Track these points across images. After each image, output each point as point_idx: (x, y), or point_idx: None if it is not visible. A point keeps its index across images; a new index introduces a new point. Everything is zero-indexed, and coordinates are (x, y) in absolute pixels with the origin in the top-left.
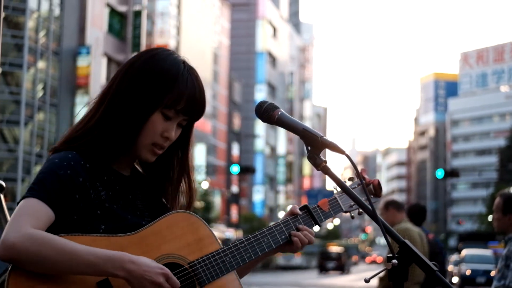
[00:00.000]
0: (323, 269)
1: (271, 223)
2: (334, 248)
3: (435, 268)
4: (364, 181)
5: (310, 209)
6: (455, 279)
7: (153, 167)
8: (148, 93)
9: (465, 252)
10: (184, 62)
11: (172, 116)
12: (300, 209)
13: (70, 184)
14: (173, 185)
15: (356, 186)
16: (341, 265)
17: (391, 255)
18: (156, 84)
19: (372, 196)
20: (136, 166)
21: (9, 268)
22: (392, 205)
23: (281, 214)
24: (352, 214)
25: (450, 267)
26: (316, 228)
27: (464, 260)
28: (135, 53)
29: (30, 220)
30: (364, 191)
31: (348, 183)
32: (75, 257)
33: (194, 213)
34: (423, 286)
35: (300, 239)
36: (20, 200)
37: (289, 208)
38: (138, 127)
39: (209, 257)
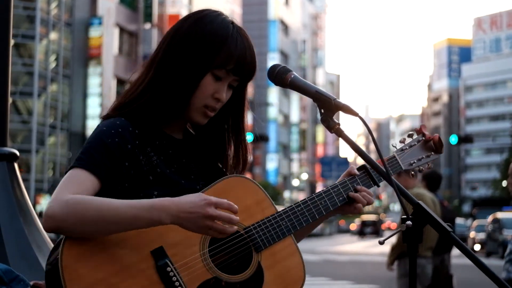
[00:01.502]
0: (362, 233)
1: (329, 185)
2: (371, 216)
3: (449, 229)
4: (424, 137)
5: (369, 169)
6: (477, 247)
7: (207, 131)
8: (198, 55)
9: (500, 215)
10: (232, 23)
11: (223, 77)
12: (358, 169)
13: (118, 152)
14: (230, 149)
15: (416, 143)
16: (377, 230)
17: (405, 216)
18: (206, 46)
19: (432, 153)
20: (189, 128)
21: (62, 241)
22: (405, 171)
23: (295, 182)
24: (413, 172)
25: (472, 234)
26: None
27: (503, 225)
28: (147, 23)
29: (70, 188)
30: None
31: (408, 140)
32: (116, 213)
33: (249, 177)
34: (435, 251)
35: (359, 200)
36: (68, 170)
37: (303, 175)
38: (191, 90)
39: (265, 222)
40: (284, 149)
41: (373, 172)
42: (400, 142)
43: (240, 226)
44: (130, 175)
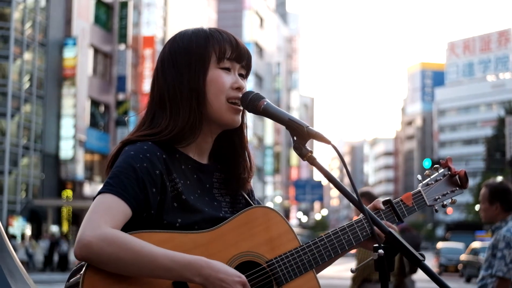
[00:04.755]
0: None
1: (353, 219)
2: None
3: (421, 258)
4: (450, 172)
5: (393, 204)
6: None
7: (222, 155)
8: (191, 58)
9: None
10: (204, 28)
11: (229, 66)
12: (383, 203)
13: (147, 178)
14: (244, 172)
15: (441, 177)
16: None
17: (377, 245)
18: (195, 48)
19: (457, 188)
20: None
21: (85, 266)
22: (364, 196)
23: (269, 205)
24: (436, 208)
25: (469, 257)
26: (304, 218)
27: None
28: (122, 44)
29: (106, 218)
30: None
31: (433, 173)
32: (151, 261)
33: (274, 208)
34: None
35: (381, 236)
36: (96, 195)
37: (277, 199)
38: (200, 92)
39: (287, 255)
40: (258, 172)
41: (398, 207)
42: (425, 175)
43: (262, 259)
44: (157, 201)
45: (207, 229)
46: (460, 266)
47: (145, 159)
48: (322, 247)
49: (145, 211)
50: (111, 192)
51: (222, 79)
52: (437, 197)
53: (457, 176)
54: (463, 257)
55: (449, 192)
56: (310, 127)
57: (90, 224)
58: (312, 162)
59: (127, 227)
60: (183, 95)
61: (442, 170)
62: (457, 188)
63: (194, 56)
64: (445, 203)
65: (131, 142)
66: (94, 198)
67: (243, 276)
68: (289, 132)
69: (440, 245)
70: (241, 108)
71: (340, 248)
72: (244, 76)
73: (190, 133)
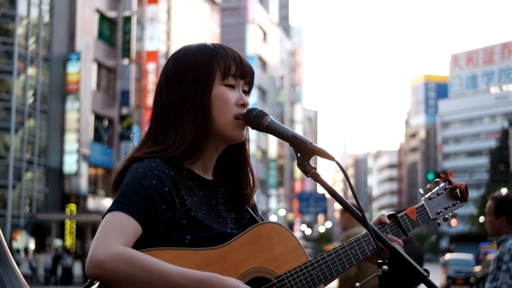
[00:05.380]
0: None
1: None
2: None
3: (425, 274)
4: (450, 185)
5: (398, 218)
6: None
7: (225, 172)
8: (196, 74)
9: None
10: (208, 43)
11: (234, 83)
12: (388, 217)
13: (157, 195)
14: (246, 188)
15: (443, 191)
16: None
17: (381, 261)
18: (199, 64)
19: (458, 201)
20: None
21: (97, 284)
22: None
23: (272, 218)
24: (439, 221)
25: (485, 269)
26: (308, 231)
27: None
28: (125, 59)
29: (117, 236)
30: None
31: (435, 187)
32: (164, 279)
33: (282, 224)
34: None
35: (386, 252)
36: (106, 213)
37: (281, 211)
38: (206, 109)
39: (297, 271)
40: (262, 185)
41: (403, 221)
42: (427, 189)
43: (272, 275)
44: (166, 218)
45: (217, 245)
46: (472, 279)
47: (154, 176)
48: (330, 262)
49: (155, 228)
50: (121, 209)
51: (227, 96)
52: (439, 210)
53: (457, 190)
54: (477, 269)
55: (450, 205)
56: (314, 144)
57: (101, 242)
58: (316, 178)
59: (137, 245)
60: (189, 111)
61: (443, 184)
62: (458, 202)
63: (198, 72)
64: (446, 216)
65: (138, 159)
66: (104, 216)
67: None
68: (293, 148)
69: (447, 256)
70: (245, 124)
71: (348, 263)
72: (247, 92)
73: (197, 149)
